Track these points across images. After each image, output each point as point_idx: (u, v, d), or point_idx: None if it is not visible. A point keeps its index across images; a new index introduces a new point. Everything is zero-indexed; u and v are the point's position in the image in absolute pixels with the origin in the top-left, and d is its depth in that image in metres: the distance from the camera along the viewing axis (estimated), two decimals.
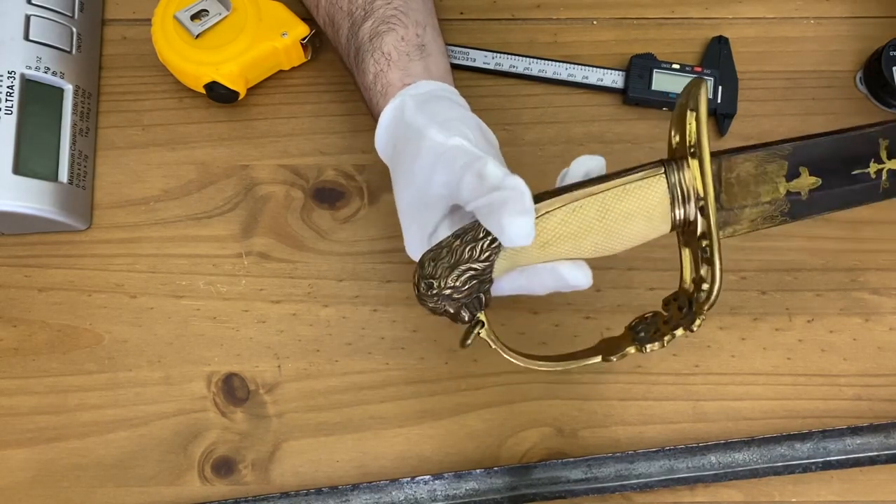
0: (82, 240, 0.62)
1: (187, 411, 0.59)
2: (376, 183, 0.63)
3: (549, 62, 0.65)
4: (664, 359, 0.60)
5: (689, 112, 0.46)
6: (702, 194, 0.46)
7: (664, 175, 0.47)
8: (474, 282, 0.47)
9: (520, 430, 0.59)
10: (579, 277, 0.48)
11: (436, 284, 0.46)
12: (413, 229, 0.52)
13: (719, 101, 0.64)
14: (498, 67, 0.65)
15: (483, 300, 0.49)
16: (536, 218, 0.46)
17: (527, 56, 0.65)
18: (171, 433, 0.59)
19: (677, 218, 0.47)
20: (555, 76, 0.65)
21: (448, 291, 0.47)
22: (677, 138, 0.48)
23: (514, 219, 0.44)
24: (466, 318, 0.49)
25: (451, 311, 0.48)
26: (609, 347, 0.52)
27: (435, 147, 0.49)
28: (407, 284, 0.61)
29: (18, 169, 0.59)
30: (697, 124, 0.46)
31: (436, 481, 0.56)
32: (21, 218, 0.59)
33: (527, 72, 0.65)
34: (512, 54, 0.65)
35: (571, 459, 0.57)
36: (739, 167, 0.48)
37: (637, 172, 0.47)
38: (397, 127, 0.53)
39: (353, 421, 0.59)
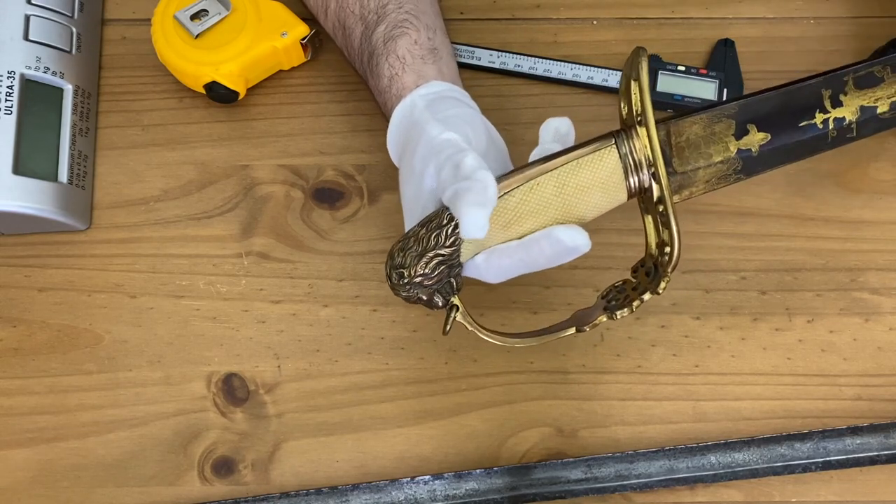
0: (82, 240, 0.62)
1: (187, 411, 0.59)
2: (376, 183, 0.63)
3: (554, 62, 0.65)
4: (664, 359, 0.60)
5: (632, 82, 0.47)
6: (652, 160, 0.48)
7: (615, 146, 0.48)
8: (443, 267, 0.48)
9: (520, 430, 0.59)
10: (577, 238, 0.48)
11: (406, 273, 0.48)
12: (410, 223, 0.52)
13: None
14: (503, 66, 0.65)
15: (455, 285, 0.49)
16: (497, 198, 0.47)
17: (531, 55, 0.65)
18: (170, 433, 0.59)
19: (632, 186, 0.49)
20: (559, 76, 0.65)
21: (419, 279, 0.48)
22: (626, 109, 0.49)
23: (470, 209, 0.45)
24: (440, 304, 0.50)
25: (425, 298, 0.49)
26: (582, 318, 0.53)
27: (430, 140, 0.50)
28: None
29: (18, 169, 0.59)
30: (640, 93, 0.47)
31: (436, 481, 0.56)
32: (21, 218, 0.59)
33: (531, 71, 0.65)
34: (517, 53, 0.65)
35: (571, 459, 0.57)
36: (688, 130, 0.49)
37: (589, 146, 0.49)
38: (406, 125, 0.53)
39: (353, 421, 0.59)
